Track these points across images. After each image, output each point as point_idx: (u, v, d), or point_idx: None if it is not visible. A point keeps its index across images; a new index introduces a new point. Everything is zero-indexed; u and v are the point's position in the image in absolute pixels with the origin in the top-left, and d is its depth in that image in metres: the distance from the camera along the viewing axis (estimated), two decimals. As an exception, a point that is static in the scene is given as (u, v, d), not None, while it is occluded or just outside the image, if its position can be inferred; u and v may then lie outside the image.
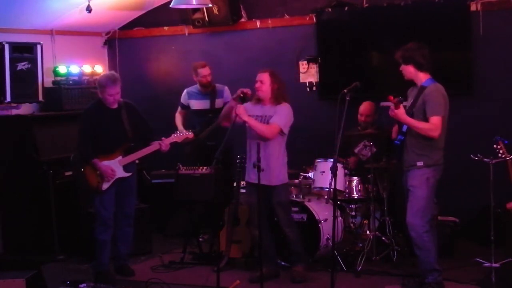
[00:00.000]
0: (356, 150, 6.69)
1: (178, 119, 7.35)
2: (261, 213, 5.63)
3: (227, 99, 7.05)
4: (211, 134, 6.90)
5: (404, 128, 5.33)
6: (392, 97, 5.16)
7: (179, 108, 7.38)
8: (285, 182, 5.88)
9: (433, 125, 5.18)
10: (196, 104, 7.23)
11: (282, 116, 5.73)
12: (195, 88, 7.25)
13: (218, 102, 7.13)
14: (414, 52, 5.30)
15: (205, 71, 7.10)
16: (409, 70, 5.34)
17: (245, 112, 5.69)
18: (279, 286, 5.79)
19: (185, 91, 7.32)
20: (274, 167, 5.75)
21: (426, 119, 5.21)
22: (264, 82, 5.76)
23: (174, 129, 6.29)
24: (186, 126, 7.13)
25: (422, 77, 5.34)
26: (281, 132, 5.73)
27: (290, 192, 6.31)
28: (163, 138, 6.03)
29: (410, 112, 5.25)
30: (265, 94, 5.78)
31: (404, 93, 5.50)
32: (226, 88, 7.20)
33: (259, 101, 5.84)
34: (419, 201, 5.26)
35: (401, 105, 5.19)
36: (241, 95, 5.73)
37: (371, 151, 6.31)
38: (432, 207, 5.33)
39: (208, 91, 7.14)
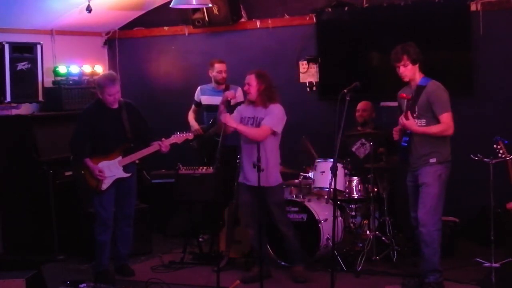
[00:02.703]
0: (353, 149, 6.70)
1: (191, 116, 7.35)
2: (259, 213, 5.65)
3: (239, 98, 7.07)
4: (220, 130, 6.86)
5: None
6: (404, 94, 5.19)
7: (193, 106, 7.38)
8: (280, 182, 5.88)
9: (446, 124, 5.20)
10: (208, 100, 7.22)
11: (273, 116, 5.71)
12: (209, 85, 7.27)
13: None
14: (418, 51, 5.31)
15: (221, 67, 7.14)
16: (414, 70, 5.32)
17: (231, 120, 5.73)
18: (279, 286, 5.79)
19: (198, 88, 7.34)
20: (271, 168, 5.74)
21: (434, 118, 5.22)
22: (251, 84, 5.75)
23: (174, 129, 6.26)
24: (198, 123, 7.19)
25: (419, 76, 5.35)
26: (273, 133, 5.73)
27: (284, 191, 6.23)
28: (163, 139, 6.02)
29: (412, 112, 5.22)
30: (253, 96, 5.77)
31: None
32: (239, 88, 7.17)
33: (251, 102, 5.83)
34: (432, 198, 5.25)
35: (411, 117, 5.18)
36: (228, 99, 5.73)
37: (369, 149, 6.31)
38: (443, 204, 5.33)
39: (222, 88, 7.14)
